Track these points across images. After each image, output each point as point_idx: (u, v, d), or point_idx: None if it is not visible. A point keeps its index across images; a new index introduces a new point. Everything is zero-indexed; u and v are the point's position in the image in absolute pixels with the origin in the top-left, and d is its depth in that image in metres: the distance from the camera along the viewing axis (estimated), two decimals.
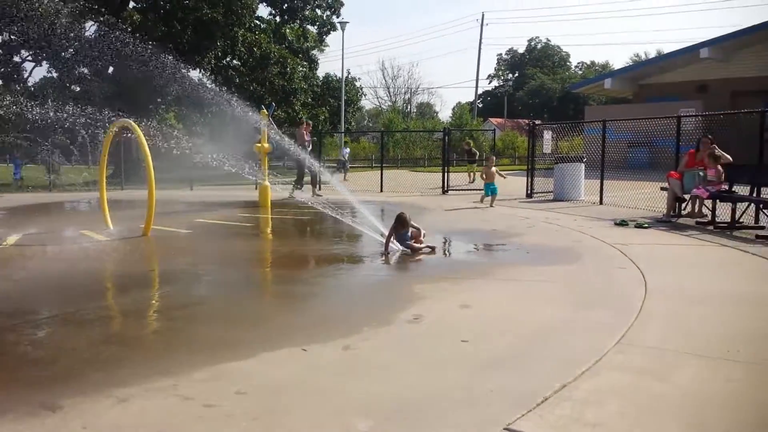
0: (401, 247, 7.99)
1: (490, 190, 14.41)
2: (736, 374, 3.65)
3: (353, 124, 46.43)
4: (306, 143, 17.80)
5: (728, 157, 10.44)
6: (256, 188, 16.51)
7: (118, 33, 20.01)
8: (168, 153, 13.47)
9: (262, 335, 4.63)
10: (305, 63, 38.18)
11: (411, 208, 12.78)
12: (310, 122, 21.54)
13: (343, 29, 35.37)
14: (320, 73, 40.60)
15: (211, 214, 13.38)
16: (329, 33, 39.26)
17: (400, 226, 8.02)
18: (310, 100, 36.88)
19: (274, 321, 5.19)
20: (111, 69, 28.27)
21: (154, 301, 6.09)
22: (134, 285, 6.69)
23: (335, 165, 28.37)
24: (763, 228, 9.15)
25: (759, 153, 10.19)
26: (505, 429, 2.94)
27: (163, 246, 9.40)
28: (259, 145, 14.44)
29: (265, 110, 14.49)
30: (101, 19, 25.04)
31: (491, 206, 13.94)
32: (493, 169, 14.74)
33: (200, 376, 3.73)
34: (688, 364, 3.82)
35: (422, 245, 7.97)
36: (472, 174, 23.34)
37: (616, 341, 4.22)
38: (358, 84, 42.62)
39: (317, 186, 18.28)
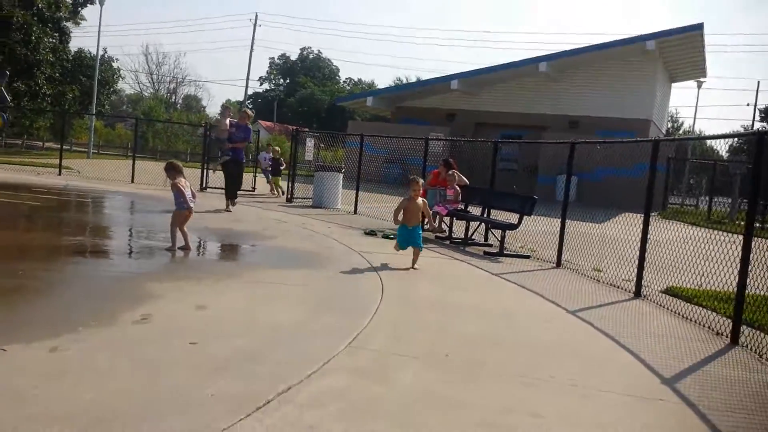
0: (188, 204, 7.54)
1: None
2: (450, 376, 3.94)
3: (108, 107, 42.70)
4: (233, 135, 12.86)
5: (465, 179, 11.52)
6: None
7: None
8: None
9: None
10: (56, 35, 34.25)
11: (161, 201, 12.10)
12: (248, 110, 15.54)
13: (101, 3, 32.40)
14: (73, 47, 36.74)
15: None
16: (86, 5, 35.79)
17: (175, 172, 7.59)
18: (57, 75, 33.09)
19: None
20: None
21: None
22: None
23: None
24: (490, 245, 10.21)
25: (491, 178, 11.41)
26: None
27: None
28: None
29: None
30: None
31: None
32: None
33: None
34: (409, 366, 4.04)
35: (186, 241, 7.54)
36: (277, 187, 18.54)
37: (346, 344, 4.32)
38: (115, 65, 39.29)
39: None
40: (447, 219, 11.38)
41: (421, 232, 7.96)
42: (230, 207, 12.70)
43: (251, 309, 5.18)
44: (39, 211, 11.10)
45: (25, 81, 30.46)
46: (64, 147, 21.44)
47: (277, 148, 20.55)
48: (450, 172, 11.41)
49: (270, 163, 18.93)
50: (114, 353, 3.82)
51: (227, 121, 12.96)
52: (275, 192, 18.45)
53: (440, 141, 18.05)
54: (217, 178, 16.01)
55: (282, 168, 18.89)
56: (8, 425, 2.76)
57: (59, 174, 18.27)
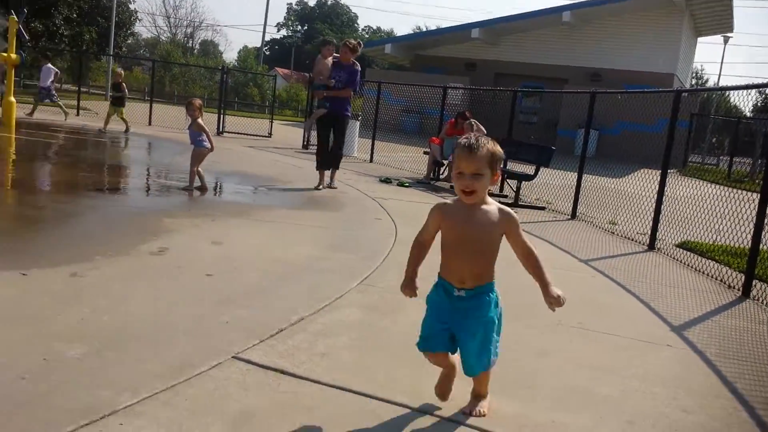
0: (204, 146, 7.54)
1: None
2: None
3: (125, 50, 42.42)
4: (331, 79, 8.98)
5: (483, 129, 11.41)
6: None
7: None
8: None
9: None
10: None
11: (179, 144, 12.15)
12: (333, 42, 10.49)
13: None
14: None
15: None
16: None
17: (195, 110, 7.50)
18: (75, 15, 32.81)
19: None
20: None
21: None
22: None
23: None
24: (506, 196, 10.18)
25: (509, 128, 11.31)
26: (233, 357, 2.89)
27: None
28: (5, 54, 12.55)
29: (14, 16, 12.55)
30: None
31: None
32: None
33: None
34: (417, 304, 4.08)
35: (202, 182, 7.57)
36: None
37: (358, 282, 4.38)
38: (132, 6, 38.93)
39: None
40: None
41: None
42: (327, 183, 9.01)
43: (265, 246, 5.25)
44: (58, 149, 11.19)
45: (42, 21, 30.25)
46: (81, 89, 21.47)
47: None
48: (468, 121, 11.30)
49: None
50: (131, 281, 3.90)
51: (330, 60, 9.33)
52: None
53: (459, 90, 17.83)
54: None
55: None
56: (29, 342, 2.85)
57: (77, 115, 18.34)
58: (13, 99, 12.79)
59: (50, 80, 16.65)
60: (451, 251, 2.47)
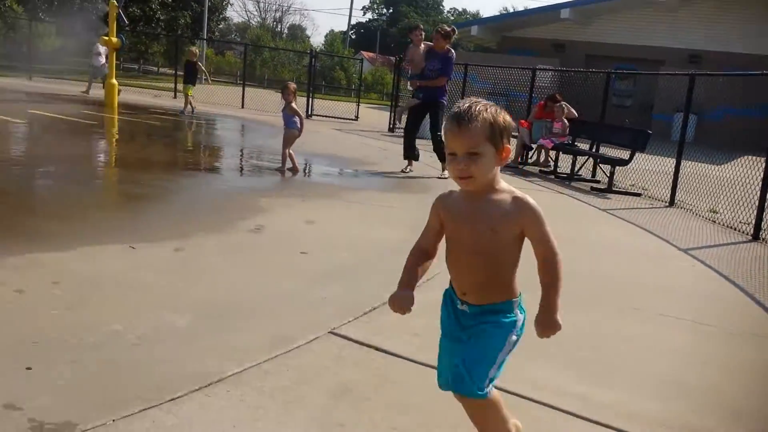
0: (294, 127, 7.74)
1: None
2: None
3: (217, 34, 43.87)
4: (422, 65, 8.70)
5: (574, 112, 11.09)
6: (102, 86, 15.21)
7: None
8: (9, 38, 12.07)
9: (89, 230, 4.33)
10: None
11: (272, 127, 12.47)
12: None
13: None
14: None
15: (51, 107, 12.21)
16: None
17: (290, 93, 7.74)
18: (170, 0, 34.21)
19: (104, 217, 4.86)
20: None
21: None
22: None
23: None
24: (598, 182, 9.88)
25: (602, 112, 10.93)
26: (330, 332, 2.97)
27: None
28: (107, 38, 13.21)
29: (114, 1, 13.14)
30: None
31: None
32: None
33: (15, 262, 3.42)
34: None
35: (293, 163, 7.76)
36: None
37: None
38: None
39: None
40: (552, 153, 11.08)
41: None
42: (407, 168, 8.78)
43: (356, 226, 5.33)
44: (156, 129, 11.73)
45: (140, 6, 31.66)
46: (177, 72, 22.36)
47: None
48: (558, 104, 11.02)
49: None
50: (231, 256, 4.07)
51: (422, 48, 8.90)
52: None
53: (548, 72, 17.36)
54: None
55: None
56: (141, 310, 3.03)
57: (174, 97, 19.13)
58: (115, 81, 13.50)
59: (102, 59, 17.13)
60: (449, 254, 1.92)
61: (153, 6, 32.41)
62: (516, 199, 1.82)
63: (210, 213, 5.33)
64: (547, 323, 1.76)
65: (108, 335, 2.71)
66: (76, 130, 10.34)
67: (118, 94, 13.65)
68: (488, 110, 1.79)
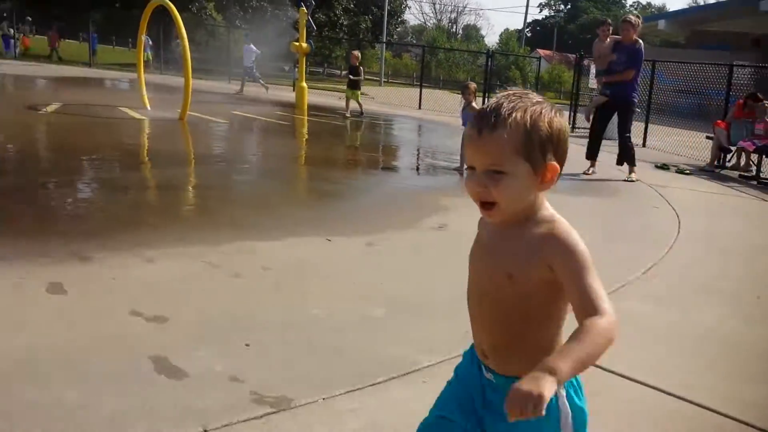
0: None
1: None
2: (755, 317, 3.62)
3: (395, 37, 45.21)
4: None
5: None
6: (293, 89, 16.34)
7: None
8: (210, 45, 13.37)
9: (289, 222, 4.70)
10: None
11: (447, 127, 12.66)
12: None
13: None
14: None
15: (248, 109, 13.36)
16: None
17: (470, 93, 7.86)
18: (352, 6, 35.84)
19: (302, 212, 5.26)
20: None
21: (185, 179, 6.18)
22: (167, 162, 6.79)
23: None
24: None
25: None
26: None
27: (199, 131, 9.47)
28: (297, 44, 14.10)
29: (303, 8, 13.97)
30: None
31: None
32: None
33: (227, 249, 3.82)
34: (710, 302, 3.79)
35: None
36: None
37: (641, 272, 4.19)
38: None
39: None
40: (754, 156, 10.10)
41: None
42: (590, 170, 8.49)
43: None
44: (341, 130, 12.38)
45: (325, 12, 33.50)
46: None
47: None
48: (761, 103, 10.03)
49: None
50: (419, 252, 4.23)
51: (608, 42, 8.34)
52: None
53: (746, 68, 15.82)
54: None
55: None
56: (339, 298, 3.26)
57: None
58: (305, 84, 14.41)
59: (252, 60, 18.17)
60: (467, 299, 1.47)
61: (337, 12, 34.18)
62: (550, 233, 1.28)
63: (395, 210, 5.56)
64: (519, 386, 1.03)
65: (310, 319, 2.95)
66: (271, 129, 11.23)
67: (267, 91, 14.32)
68: (526, 111, 1.24)
